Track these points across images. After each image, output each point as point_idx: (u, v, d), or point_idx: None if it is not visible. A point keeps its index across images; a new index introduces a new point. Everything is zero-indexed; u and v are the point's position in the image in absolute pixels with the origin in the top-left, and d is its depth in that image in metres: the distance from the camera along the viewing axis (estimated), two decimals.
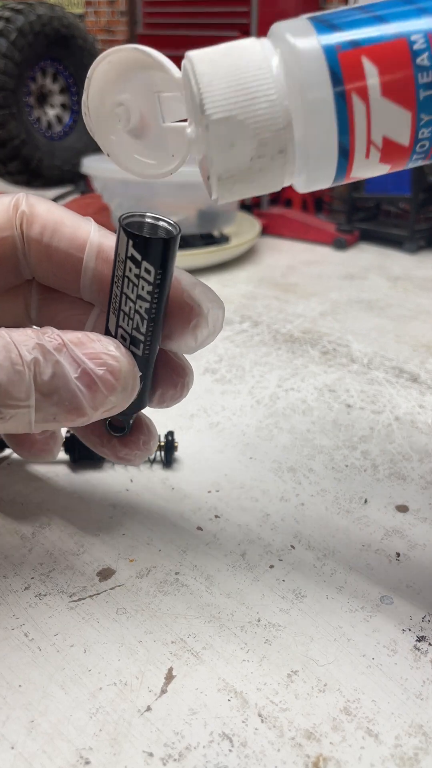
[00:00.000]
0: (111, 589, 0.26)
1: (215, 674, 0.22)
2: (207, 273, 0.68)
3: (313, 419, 0.39)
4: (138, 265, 0.21)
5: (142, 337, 0.22)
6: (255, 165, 0.18)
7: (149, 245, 0.20)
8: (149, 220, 0.21)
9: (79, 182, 0.98)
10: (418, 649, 0.24)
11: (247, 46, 0.18)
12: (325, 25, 0.18)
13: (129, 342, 0.22)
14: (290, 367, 0.46)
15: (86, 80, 0.22)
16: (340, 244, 0.79)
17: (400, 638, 0.24)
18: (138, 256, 0.20)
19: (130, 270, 0.21)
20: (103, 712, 0.21)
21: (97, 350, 0.21)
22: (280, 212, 0.86)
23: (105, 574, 0.27)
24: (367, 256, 0.76)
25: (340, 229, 0.81)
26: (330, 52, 0.17)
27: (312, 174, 0.19)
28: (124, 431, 0.26)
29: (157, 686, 0.22)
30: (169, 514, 0.30)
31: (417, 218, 0.79)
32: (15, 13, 0.92)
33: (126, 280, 0.21)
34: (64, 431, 0.32)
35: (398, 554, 0.28)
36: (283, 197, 0.93)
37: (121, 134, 0.22)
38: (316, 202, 0.93)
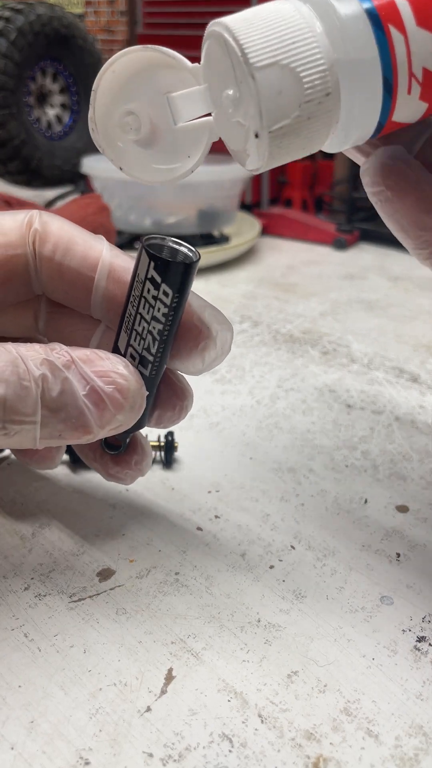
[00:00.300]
0: (111, 589, 0.26)
1: (215, 675, 0.22)
2: (207, 273, 0.68)
3: (313, 419, 0.39)
4: (157, 287, 0.21)
5: (151, 358, 0.22)
6: (304, 112, 0.18)
7: (170, 268, 0.21)
8: (170, 244, 0.22)
9: (79, 182, 0.98)
10: (419, 650, 0.24)
11: (275, 2, 0.19)
12: None
13: (138, 362, 0.22)
14: (290, 367, 0.46)
15: (92, 93, 0.21)
16: (340, 244, 0.79)
17: (401, 639, 0.24)
18: (158, 278, 0.21)
19: (149, 291, 0.21)
20: (102, 712, 0.21)
21: (106, 368, 0.21)
22: (280, 212, 0.86)
23: (105, 574, 0.27)
24: (367, 256, 0.76)
25: (340, 229, 0.81)
26: None
27: (357, 119, 0.19)
28: (119, 449, 0.26)
29: (157, 687, 0.22)
30: (169, 514, 0.30)
31: None
32: (15, 13, 0.92)
33: (143, 300, 0.21)
34: None
35: (398, 554, 0.28)
36: (283, 197, 0.93)
37: (131, 145, 0.22)
38: (316, 202, 0.93)
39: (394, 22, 0.18)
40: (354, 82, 0.18)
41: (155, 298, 0.21)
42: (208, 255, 0.67)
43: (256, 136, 0.19)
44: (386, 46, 0.18)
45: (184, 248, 0.22)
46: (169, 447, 0.34)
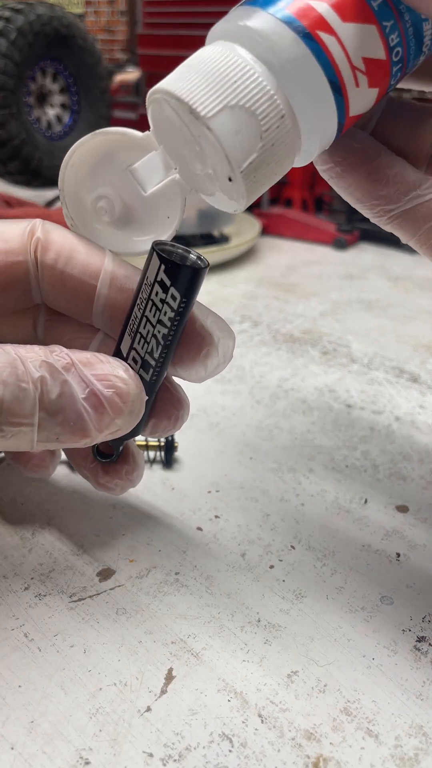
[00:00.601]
0: (111, 589, 0.26)
1: (215, 675, 0.22)
2: (207, 273, 0.68)
3: (313, 419, 0.39)
4: (165, 290, 0.21)
5: (153, 362, 0.22)
6: (267, 141, 0.18)
7: (180, 272, 0.21)
8: (180, 251, 0.22)
9: None
10: (418, 650, 0.24)
11: (202, 51, 0.19)
12: (261, 2, 0.19)
13: (140, 366, 0.22)
14: (290, 367, 0.46)
15: (59, 192, 0.23)
16: (341, 244, 0.79)
17: (400, 638, 0.24)
18: (167, 282, 0.21)
19: (156, 294, 0.21)
20: (102, 712, 0.21)
21: (106, 371, 0.21)
22: (280, 212, 0.86)
23: (105, 574, 0.27)
24: (367, 256, 0.76)
25: (340, 229, 0.81)
26: (279, 11, 0.18)
27: (318, 127, 0.19)
28: (111, 458, 0.25)
29: (157, 687, 0.22)
30: (169, 514, 0.30)
31: None
32: (15, 12, 0.92)
33: (150, 303, 0.21)
34: None
35: (398, 554, 0.28)
36: (283, 197, 0.93)
37: (109, 226, 0.23)
38: (316, 201, 0.93)
39: (320, 27, 0.18)
40: (303, 96, 0.18)
41: (163, 301, 0.21)
42: (208, 255, 0.67)
43: (230, 179, 0.19)
44: (321, 52, 0.18)
45: (194, 255, 0.22)
46: (169, 447, 0.34)
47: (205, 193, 0.21)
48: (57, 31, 0.97)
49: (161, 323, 0.21)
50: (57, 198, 0.87)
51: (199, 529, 0.30)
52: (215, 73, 0.18)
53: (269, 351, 0.49)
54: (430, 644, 0.24)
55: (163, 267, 0.21)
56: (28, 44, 0.93)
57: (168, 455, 0.34)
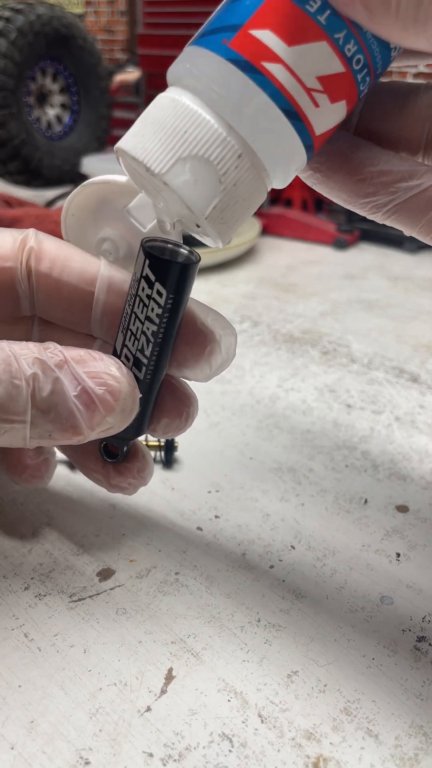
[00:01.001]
0: (111, 589, 0.26)
1: (215, 675, 0.22)
2: (207, 273, 0.68)
3: (313, 419, 0.39)
4: (151, 285, 0.21)
5: (145, 360, 0.22)
6: (227, 183, 0.18)
7: (164, 267, 0.20)
8: (171, 246, 0.22)
9: (79, 182, 0.98)
10: (418, 650, 0.24)
11: (156, 101, 0.19)
12: (202, 37, 0.18)
13: (132, 363, 0.22)
14: (290, 367, 0.46)
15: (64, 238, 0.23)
16: (341, 244, 0.79)
17: (400, 638, 0.24)
18: (152, 277, 0.21)
19: (143, 290, 0.21)
20: (102, 712, 0.21)
21: (98, 369, 0.21)
22: (280, 212, 0.86)
23: (105, 574, 0.27)
24: (367, 256, 0.76)
25: (340, 229, 0.81)
26: (221, 50, 0.18)
27: (282, 157, 0.19)
28: (118, 458, 0.25)
29: (157, 686, 0.22)
30: (169, 514, 0.30)
31: None
32: (15, 12, 0.92)
33: (137, 299, 0.21)
34: None
35: (398, 554, 0.28)
36: (283, 197, 0.93)
37: (116, 264, 0.23)
38: (317, 201, 0.93)
39: (264, 57, 0.17)
40: (259, 131, 0.18)
41: (149, 297, 0.21)
42: (208, 255, 0.67)
43: (198, 226, 0.19)
44: (269, 83, 0.17)
45: (185, 250, 0.22)
46: (169, 447, 0.34)
47: (187, 230, 0.22)
48: (57, 31, 0.97)
49: (149, 320, 0.21)
50: (57, 198, 0.87)
51: (199, 529, 0.30)
52: (166, 127, 0.18)
53: (269, 351, 0.49)
54: (430, 644, 0.24)
55: (147, 262, 0.21)
56: (28, 44, 0.93)
57: (168, 455, 0.34)
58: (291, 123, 0.18)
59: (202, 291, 0.62)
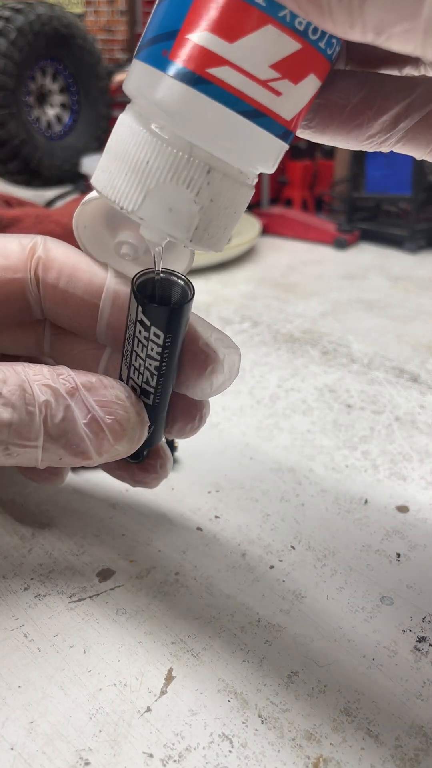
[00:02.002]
0: (111, 589, 0.26)
1: (215, 675, 0.22)
2: (207, 273, 0.68)
3: (314, 419, 0.39)
4: (147, 329, 0.21)
5: (152, 390, 0.22)
6: (203, 201, 0.18)
7: (158, 313, 0.20)
8: (162, 281, 0.21)
9: (79, 182, 0.98)
10: (419, 650, 0.24)
11: (115, 129, 0.18)
12: (144, 48, 0.17)
13: (139, 392, 0.22)
14: (290, 367, 0.46)
15: (82, 249, 0.23)
16: (341, 244, 0.79)
17: (401, 639, 0.24)
18: (147, 322, 0.21)
19: (140, 332, 0.21)
20: (102, 713, 0.21)
21: (108, 398, 0.21)
22: (280, 212, 0.86)
23: (105, 574, 0.27)
24: (367, 255, 0.76)
25: (340, 229, 0.81)
26: (163, 64, 0.16)
27: (259, 155, 0.18)
28: (139, 459, 0.26)
29: (157, 687, 0.22)
30: (169, 514, 0.30)
31: (417, 218, 0.79)
32: (15, 12, 0.92)
33: (136, 339, 0.21)
34: None
35: (398, 555, 0.28)
36: (284, 197, 0.92)
37: (135, 262, 0.23)
38: (317, 201, 0.93)
39: (208, 63, 0.16)
40: (221, 140, 0.17)
41: (147, 339, 0.21)
42: (208, 255, 0.67)
43: (185, 246, 0.19)
44: (219, 90, 0.16)
45: (180, 281, 0.21)
46: (169, 447, 0.33)
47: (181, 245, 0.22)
48: (57, 31, 0.97)
49: (150, 357, 0.21)
50: (57, 198, 0.87)
51: (199, 529, 0.30)
52: (129, 160, 0.18)
53: (269, 351, 0.49)
54: (430, 644, 0.24)
55: (140, 309, 0.20)
56: (28, 44, 0.93)
57: (169, 443, 0.34)
58: (253, 122, 0.17)
59: (202, 291, 0.62)
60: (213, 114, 0.16)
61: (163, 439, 0.26)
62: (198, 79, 0.16)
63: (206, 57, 0.16)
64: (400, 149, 0.20)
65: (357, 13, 0.13)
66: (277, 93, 0.16)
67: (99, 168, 0.19)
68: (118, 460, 0.26)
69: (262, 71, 0.16)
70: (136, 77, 0.17)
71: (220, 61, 0.16)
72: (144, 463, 0.26)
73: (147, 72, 0.17)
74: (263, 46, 0.16)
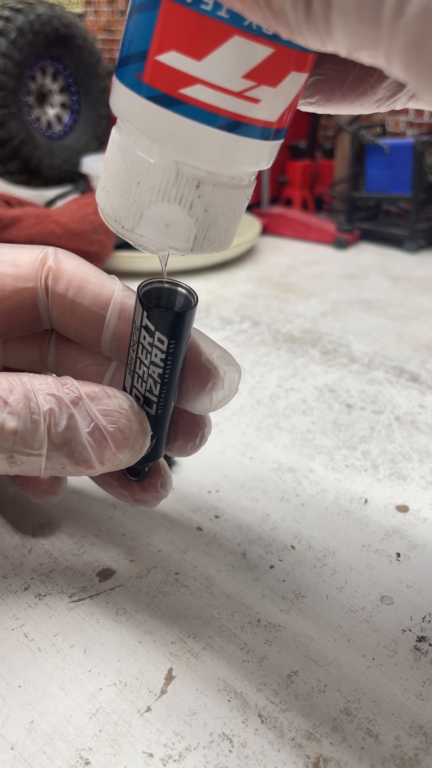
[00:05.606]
0: (111, 589, 0.26)
1: (215, 675, 0.22)
2: (207, 273, 0.68)
3: (313, 419, 0.39)
4: (152, 334, 0.21)
5: (155, 399, 0.22)
6: (197, 213, 0.18)
7: (163, 318, 0.21)
8: (168, 288, 0.22)
9: (79, 181, 0.98)
10: (419, 650, 0.24)
11: (108, 148, 0.19)
12: (120, 67, 0.17)
13: (143, 401, 0.23)
14: (290, 367, 0.46)
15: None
16: (341, 244, 0.79)
17: (401, 639, 0.24)
18: (152, 327, 0.21)
19: (144, 338, 0.21)
20: (102, 712, 0.21)
21: (111, 407, 0.21)
22: (280, 212, 0.86)
23: (105, 574, 0.27)
24: (367, 255, 0.76)
25: (340, 229, 0.81)
26: (137, 87, 0.16)
27: (245, 159, 0.18)
28: (140, 476, 0.26)
29: (157, 687, 0.22)
30: (169, 514, 0.30)
31: (417, 218, 0.79)
32: (14, 12, 0.92)
33: (140, 346, 0.22)
34: None
35: (398, 554, 0.28)
36: (284, 197, 0.93)
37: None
38: (317, 201, 0.93)
39: (179, 84, 0.16)
40: (206, 154, 0.17)
41: (151, 345, 0.21)
42: (208, 255, 0.67)
43: (188, 255, 0.19)
44: (194, 109, 0.16)
45: (184, 291, 0.22)
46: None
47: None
48: (57, 31, 0.97)
49: (154, 364, 0.22)
50: (57, 198, 0.87)
51: (199, 529, 0.30)
52: (122, 180, 0.18)
53: (269, 351, 0.49)
54: (430, 644, 0.24)
55: (145, 314, 0.21)
56: (28, 44, 0.93)
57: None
58: (234, 134, 0.17)
59: (202, 291, 0.62)
60: (192, 132, 0.16)
61: (163, 459, 0.26)
62: (172, 100, 0.16)
63: (177, 78, 0.15)
64: (414, 105, 0.19)
65: (327, 38, 0.13)
66: (255, 101, 0.16)
67: (99, 185, 0.19)
68: (119, 478, 0.26)
69: (235, 83, 0.16)
70: (116, 98, 0.18)
71: (191, 80, 0.15)
72: (144, 482, 0.26)
73: (125, 94, 0.17)
74: (232, 59, 0.15)
